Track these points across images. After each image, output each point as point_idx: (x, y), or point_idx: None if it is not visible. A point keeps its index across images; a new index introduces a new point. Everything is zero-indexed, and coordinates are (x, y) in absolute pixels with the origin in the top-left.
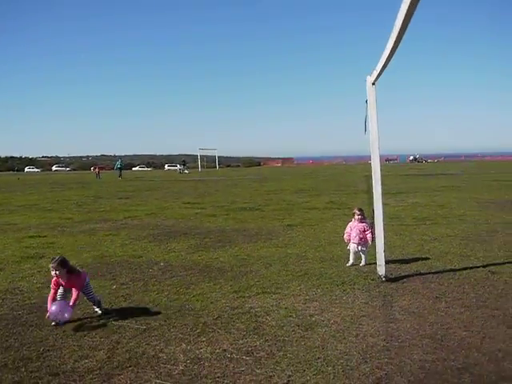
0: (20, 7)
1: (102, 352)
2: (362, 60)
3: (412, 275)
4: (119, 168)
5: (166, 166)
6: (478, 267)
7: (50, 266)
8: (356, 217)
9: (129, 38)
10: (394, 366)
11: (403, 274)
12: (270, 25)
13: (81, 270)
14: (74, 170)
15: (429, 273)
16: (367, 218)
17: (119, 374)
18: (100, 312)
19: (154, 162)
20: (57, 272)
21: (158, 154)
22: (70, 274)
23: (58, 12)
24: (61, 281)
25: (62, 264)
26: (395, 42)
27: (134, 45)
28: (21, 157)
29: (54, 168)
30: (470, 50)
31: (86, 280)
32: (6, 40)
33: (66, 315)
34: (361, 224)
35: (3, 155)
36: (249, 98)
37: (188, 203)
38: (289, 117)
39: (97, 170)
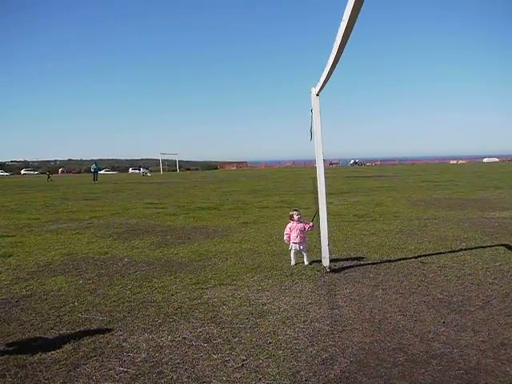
0: None
1: (68, 344)
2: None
3: (353, 266)
4: (94, 172)
5: (129, 169)
6: (411, 258)
7: None
8: (295, 217)
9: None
10: (337, 348)
11: (345, 265)
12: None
13: None
14: (43, 173)
15: (368, 264)
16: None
17: (85, 364)
18: None
19: (119, 165)
20: None
21: (122, 158)
22: None
23: None
24: None
25: None
26: (336, 56)
27: (91, 50)
28: None
29: (22, 172)
30: (396, 62)
31: None
32: None
33: None
34: (300, 224)
35: None
36: (205, 106)
37: (150, 203)
38: (242, 124)
39: (47, 173)
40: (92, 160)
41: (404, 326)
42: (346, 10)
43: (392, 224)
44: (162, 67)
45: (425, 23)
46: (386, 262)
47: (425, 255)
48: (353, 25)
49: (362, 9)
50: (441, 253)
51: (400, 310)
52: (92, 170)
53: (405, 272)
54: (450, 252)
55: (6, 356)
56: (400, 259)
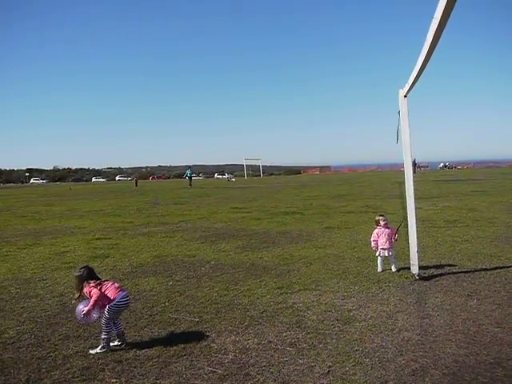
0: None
1: (160, 342)
2: (396, 70)
3: (444, 274)
4: (189, 177)
5: (215, 174)
6: (509, 267)
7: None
8: (382, 223)
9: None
10: (428, 359)
11: (436, 273)
12: (304, 34)
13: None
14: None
15: (460, 272)
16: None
17: (175, 362)
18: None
19: (205, 171)
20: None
21: (208, 164)
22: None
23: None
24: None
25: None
26: (426, 56)
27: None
28: (88, 168)
29: (117, 178)
30: (495, 57)
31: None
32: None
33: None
34: (387, 229)
35: (74, 167)
36: (287, 110)
37: (235, 208)
38: (325, 126)
39: (135, 180)
40: (181, 166)
41: (502, 339)
42: (439, 6)
43: (487, 231)
44: (240, 71)
45: None
46: (480, 270)
47: None
48: (445, 23)
49: (455, 5)
50: None
51: (497, 322)
52: (188, 175)
53: (502, 282)
54: None
55: (104, 351)
56: (496, 268)
